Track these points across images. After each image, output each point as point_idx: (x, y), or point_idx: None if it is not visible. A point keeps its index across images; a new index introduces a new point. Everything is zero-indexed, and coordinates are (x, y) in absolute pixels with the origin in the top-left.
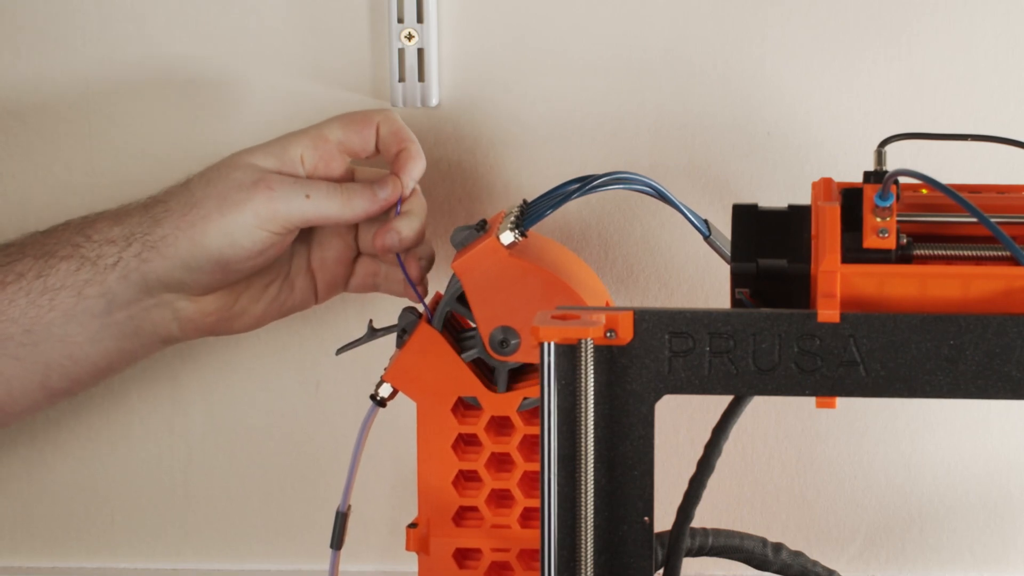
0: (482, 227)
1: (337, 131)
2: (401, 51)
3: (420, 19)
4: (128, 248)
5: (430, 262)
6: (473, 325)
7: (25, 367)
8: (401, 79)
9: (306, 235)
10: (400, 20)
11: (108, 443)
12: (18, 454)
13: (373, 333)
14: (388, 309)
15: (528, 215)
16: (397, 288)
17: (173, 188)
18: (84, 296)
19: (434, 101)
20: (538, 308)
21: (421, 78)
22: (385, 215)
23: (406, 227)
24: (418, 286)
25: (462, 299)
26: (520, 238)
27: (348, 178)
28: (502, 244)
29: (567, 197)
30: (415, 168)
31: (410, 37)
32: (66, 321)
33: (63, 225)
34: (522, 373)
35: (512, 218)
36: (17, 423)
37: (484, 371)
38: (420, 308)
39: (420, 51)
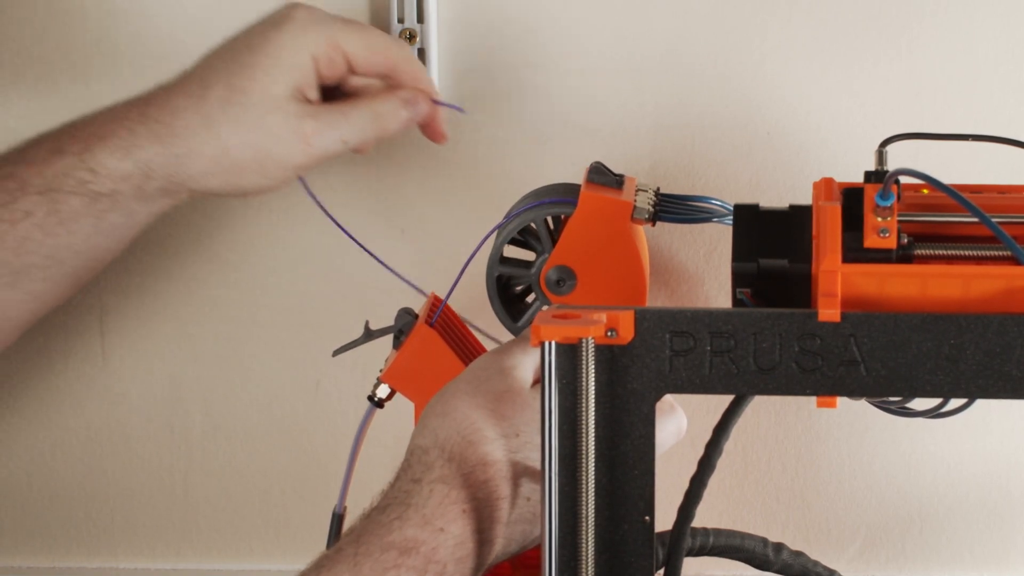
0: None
1: (354, 43)
2: None
3: (420, 19)
4: (149, 181)
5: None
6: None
7: (56, 283)
8: None
9: None
10: (400, 20)
11: (108, 443)
12: (18, 454)
13: (369, 335)
14: (386, 309)
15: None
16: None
17: (189, 120)
18: (103, 219)
19: None
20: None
21: None
22: None
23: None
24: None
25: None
26: (647, 221)
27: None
28: (634, 205)
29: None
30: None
31: (410, 37)
32: (89, 238)
33: (55, 149)
34: None
35: (650, 196)
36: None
37: None
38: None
39: (420, 51)
